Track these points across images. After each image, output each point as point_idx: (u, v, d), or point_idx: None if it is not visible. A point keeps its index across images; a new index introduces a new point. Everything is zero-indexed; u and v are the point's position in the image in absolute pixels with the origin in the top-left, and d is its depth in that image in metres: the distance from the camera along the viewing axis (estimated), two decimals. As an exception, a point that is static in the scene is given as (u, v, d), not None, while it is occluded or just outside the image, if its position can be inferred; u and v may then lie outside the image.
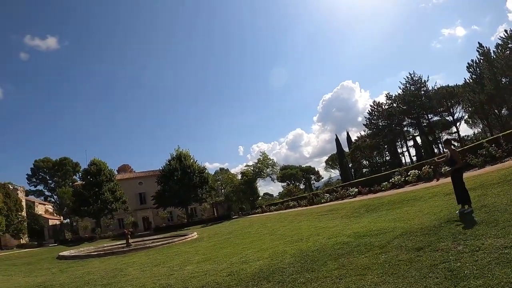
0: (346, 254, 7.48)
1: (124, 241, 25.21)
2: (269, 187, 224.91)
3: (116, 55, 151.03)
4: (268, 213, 37.30)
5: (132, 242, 24.87)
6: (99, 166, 49.31)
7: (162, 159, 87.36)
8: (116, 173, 58.76)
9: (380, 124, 70.71)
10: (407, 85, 67.74)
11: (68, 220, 72.49)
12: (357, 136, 77.71)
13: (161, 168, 52.54)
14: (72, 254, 22.64)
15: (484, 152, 17.49)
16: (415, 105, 66.12)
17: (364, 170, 73.11)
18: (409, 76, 67.76)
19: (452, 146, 9.78)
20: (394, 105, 68.79)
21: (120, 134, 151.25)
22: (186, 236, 23.93)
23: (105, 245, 29.75)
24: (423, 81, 66.94)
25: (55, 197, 79.68)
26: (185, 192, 47.99)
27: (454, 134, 66.96)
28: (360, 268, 6.15)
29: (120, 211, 50.54)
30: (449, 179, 16.86)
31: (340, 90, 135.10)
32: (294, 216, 23.27)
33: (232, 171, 73.71)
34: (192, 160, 51.82)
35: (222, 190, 69.91)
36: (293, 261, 7.91)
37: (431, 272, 5.12)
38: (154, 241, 24.54)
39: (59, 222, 69.83)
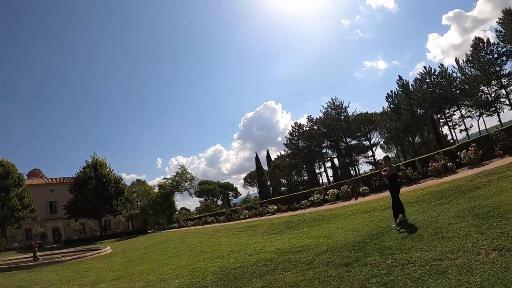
0: (271, 271, 7.24)
1: (31, 254, 22.83)
2: (187, 202, 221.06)
3: (43, 54, 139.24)
4: (185, 228, 36.91)
5: (40, 256, 22.58)
6: (7, 168, 44.63)
7: (75, 166, 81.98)
8: (26, 177, 53.36)
9: (300, 144, 73.65)
10: (329, 109, 72.28)
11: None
12: (276, 155, 79.90)
13: (74, 176, 49.29)
14: (-29, 267, 20.02)
15: (401, 174, 18.60)
16: (335, 129, 70.66)
17: (283, 188, 75.09)
18: (331, 101, 72.35)
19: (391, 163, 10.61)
20: (315, 127, 72.54)
21: (32, 136, 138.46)
22: (99, 251, 22.38)
23: (9, 258, 26.60)
24: (344, 106, 72.00)
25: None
26: (99, 203, 45.44)
27: (370, 158, 72.23)
28: (288, 285, 5.94)
29: (28, 220, 46.10)
30: (367, 198, 17.96)
31: (263, 110, 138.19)
32: (213, 232, 22.91)
33: (150, 183, 71.01)
34: (108, 169, 49.46)
35: (138, 203, 67.23)
36: (215, 279, 7.51)
37: (364, 287, 5.05)
38: (64, 255, 22.49)
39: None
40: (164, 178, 58.93)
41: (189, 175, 57.72)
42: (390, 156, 66.24)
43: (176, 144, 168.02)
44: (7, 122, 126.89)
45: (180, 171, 57.08)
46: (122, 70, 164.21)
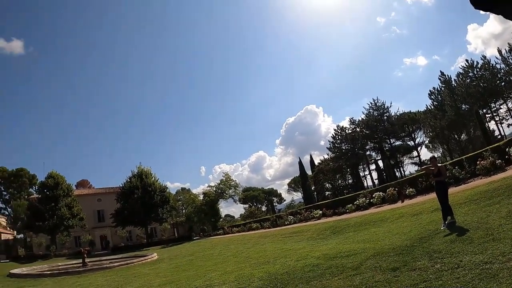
0: (318, 276, 7.17)
1: (80, 260, 23.89)
2: (231, 209, 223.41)
3: (77, 64, 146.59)
4: (230, 235, 37.03)
5: (89, 262, 23.56)
6: (56, 180, 46.79)
7: (122, 177, 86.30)
8: (75, 188, 55.96)
9: (343, 147, 72.64)
10: (371, 110, 70.68)
11: (21, 236, 67.92)
12: (320, 159, 79.19)
13: (121, 185, 51.03)
14: (24, 272, 21.37)
15: (448, 174, 17.99)
16: (378, 130, 68.98)
17: (327, 193, 74.19)
18: (373, 102, 70.82)
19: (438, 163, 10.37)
20: (358, 129, 71.35)
21: (80, 148, 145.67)
22: (146, 257, 22.98)
23: (59, 264, 27.99)
24: (386, 107, 70.23)
25: (9, 209, 74.37)
26: (145, 211, 46.70)
27: (415, 158, 69.96)
28: (335, 291, 5.91)
29: (77, 228, 48.04)
30: (413, 200, 17.50)
31: (304, 114, 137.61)
32: (258, 238, 22.94)
33: (194, 191, 72.58)
34: (153, 179, 50.75)
35: (183, 210, 68.72)
36: (261, 285, 7.50)
37: (412, 291, 4.96)
38: (111, 261, 23.38)
39: (12, 237, 65.13)
40: (209, 186, 59.88)
41: (233, 182, 58.12)
42: (436, 156, 64.73)
43: (219, 152, 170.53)
44: (57, 135, 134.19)
45: (224, 178, 57.58)
46: (161, 79, 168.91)
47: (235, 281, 8.65)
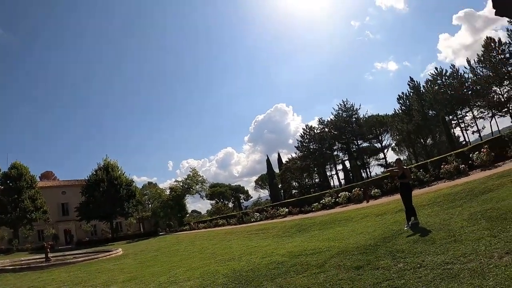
0: (283, 274, 7.21)
1: (43, 255, 23.06)
2: (198, 204, 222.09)
3: (41, 53, 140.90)
4: (196, 231, 36.97)
5: (52, 257, 22.76)
6: (20, 171, 45.06)
7: (88, 169, 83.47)
8: (38, 179, 53.88)
9: (311, 147, 73.63)
10: (340, 111, 72.16)
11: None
12: (288, 158, 79.70)
13: (86, 178, 49.89)
14: (-15, 268, 20.34)
15: (413, 177, 18.46)
16: (346, 131, 70.50)
17: (294, 191, 74.82)
18: (342, 103, 72.38)
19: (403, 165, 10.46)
20: (326, 129, 72.62)
21: (44, 139, 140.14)
22: (111, 252, 22.52)
23: (22, 258, 26.91)
24: (355, 109, 71.93)
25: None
26: (110, 205, 45.77)
27: (381, 160, 71.80)
28: (299, 289, 5.92)
29: (41, 222, 46.52)
30: (378, 201, 17.86)
31: (273, 112, 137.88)
32: (224, 235, 22.94)
33: (161, 186, 71.65)
34: (120, 172, 49.85)
35: (150, 205, 67.69)
36: (226, 282, 7.49)
37: (375, 290, 5.02)
38: (75, 257, 22.65)
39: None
40: (176, 181, 59.51)
41: (200, 178, 57.98)
42: (402, 159, 66.70)
43: (187, 147, 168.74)
44: (21, 125, 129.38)
45: (191, 173, 57.35)
46: (132, 73, 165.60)
47: (200, 277, 8.61)
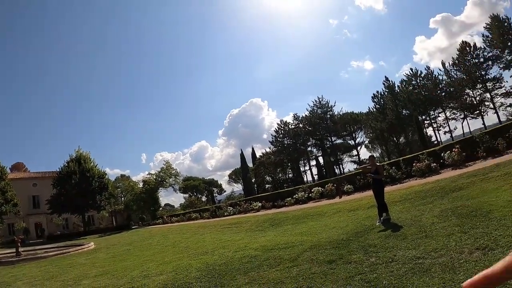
0: (256, 267, 7.21)
1: (14, 250, 22.37)
2: (171, 198, 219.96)
3: (19, 43, 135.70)
4: (169, 224, 36.67)
5: (22, 251, 22.08)
6: None
7: (60, 161, 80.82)
8: (9, 171, 52.28)
9: (286, 142, 74.42)
10: (315, 108, 73.36)
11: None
12: (262, 153, 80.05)
13: (58, 170, 48.67)
14: (-49, 263, 19.60)
15: (385, 173, 18.78)
16: (321, 127, 71.69)
17: (267, 185, 75.34)
18: (317, 100, 73.54)
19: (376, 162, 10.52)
20: (301, 125, 73.60)
21: (15, 129, 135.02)
22: (83, 246, 22.19)
23: None
24: (330, 105, 73.31)
25: None
26: (82, 198, 45.02)
27: (355, 157, 73.10)
28: (272, 282, 5.91)
29: (11, 215, 44.68)
30: (351, 197, 18.10)
31: (249, 107, 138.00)
32: (197, 228, 22.79)
33: (134, 179, 70.60)
34: (92, 164, 49.11)
35: (122, 198, 66.71)
36: (199, 276, 7.44)
37: (348, 284, 5.06)
38: (47, 251, 22.16)
39: None
40: (149, 174, 59.01)
41: (174, 171, 57.79)
42: (375, 156, 67.96)
43: (161, 140, 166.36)
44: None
45: (164, 166, 57.09)
46: (107, 63, 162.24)
47: (173, 271, 8.53)
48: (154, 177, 56.37)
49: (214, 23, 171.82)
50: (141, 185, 56.22)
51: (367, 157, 67.11)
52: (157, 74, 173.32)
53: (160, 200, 58.22)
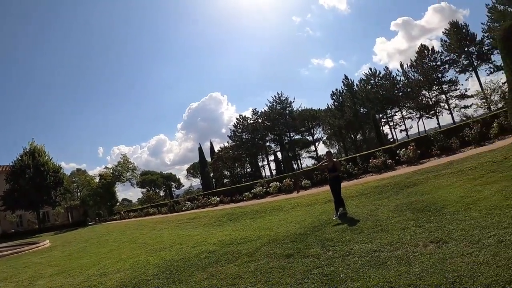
0: (214, 263, 7.19)
1: None
2: (128, 193, 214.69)
3: None
4: (127, 220, 36.02)
5: None
6: None
7: (13, 154, 76.67)
8: None
9: (244, 137, 74.79)
10: (274, 103, 74.13)
11: None
12: (220, 147, 79.74)
13: (11, 164, 46.33)
14: None
15: (342, 169, 19.17)
16: (279, 123, 72.73)
17: (226, 180, 75.23)
18: (277, 96, 74.40)
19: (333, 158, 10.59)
20: (260, 120, 74.26)
21: None
22: (38, 245, 21.42)
23: None
24: (289, 101, 74.23)
25: None
26: (37, 193, 43.10)
27: (312, 152, 74.45)
28: (230, 277, 5.88)
29: None
30: (308, 192, 18.33)
31: (208, 101, 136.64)
32: (155, 224, 22.54)
33: (90, 173, 68.20)
34: (47, 157, 47.11)
35: (78, 193, 64.60)
36: (157, 272, 7.38)
37: (306, 278, 5.07)
38: (0, 250, 21.07)
39: None
40: (105, 168, 57.16)
41: (131, 165, 56.44)
42: (332, 152, 69.50)
43: (119, 133, 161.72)
44: None
45: (122, 160, 55.48)
46: (64, 53, 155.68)
47: (130, 268, 8.45)
48: (111, 171, 54.72)
49: (175, 13, 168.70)
50: (97, 179, 54.42)
51: (324, 152, 68.56)
52: (116, 65, 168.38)
53: (117, 195, 56.92)
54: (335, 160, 10.78)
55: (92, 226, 38.30)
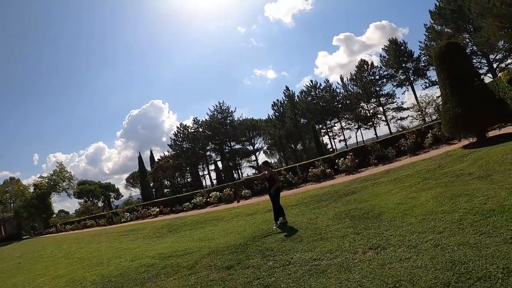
0: (153, 277, 7.00)
1: None
2: (65, 203, 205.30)
3: None
4: (63, 233, 34.65)
5: None
6: None
7: None
8: None
9: (185, 146, 74.06)
10: (215, 112, 74.37)
11: None
12: (160, 156, 78.09)
13: None
14: None
15: (282, 179, 19.41)
16: (220, 132, 72.89)
17: (166, 190, 73.57)
18: (218, 105, 74.65)
19: (270, 168, 10.48)
20: (200, 129, 74.03)
21: None
22: None
23: None
24: (230, 111, 74.87)
25: None
26: None
27: (253, 162, 74.93)
28: (170, 293, 5.68)
29: None
30: (249, 201, 18.31)
31: (149, 108, 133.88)
32: (93, 237, 21.79)
33: (24, 182, 63.99)
34: None
35: (12, 204, 60.09)
36: None
37: (246, 289, 4.98)
38: None
39: None
40: (40, 177, 54.04)
41: (68, 174, 54.07)
42: (272, 162, 70.43)
43: (55, 140, 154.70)
44: None
45: (58, 169, 52.91)
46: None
47: (66, 286, 8.15)
48: (46, 180, 51.92)
49: (114, 19, 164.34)
50: (32, 189, 51.39)
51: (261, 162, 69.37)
52: (51, 65, 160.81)
53: (53, 206, 54.19)
54: (272, 170, 10.62)
55: (27, 240, 36.43)
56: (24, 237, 43.72)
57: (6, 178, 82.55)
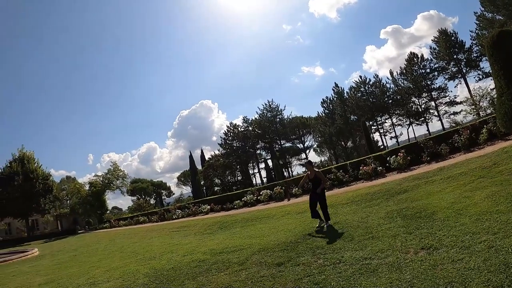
0: (204, 272, 7.14)
1: None
2: (119, 201, 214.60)
3: None
4: (117, 228, 35.74)
5: None
6: None
7: (1, 160, 74.90)
8: None
9: (235, 145, 74.75)
10: (264, 111, 74.52)
11: None
12: (211, 155, 79.56)
13: None
14: None
15: (332, 177, 19.24)
16: (270, 131, 72.95)
17: (216, 188, 74.89)
18: (267, 103, 74.73)
19: (314, 168, 10.23)
20: (250, 128, 74.38)
21: None
22: (26, 253, 21.13)
23: None
24: (279, 109, 74.59)
25: None
26: (26, 201, 42.65)
27: (303, 160, 74.47)
28: (221, 287, 5.87)
29: None
30: (299, 199, 18.30)
31: (199, 108, 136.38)
32: (145, 232, 22.36)
33: (80, 180, 67.40)
34: (36, 164, 46.72)
35: (68, 201, 63.75)
36: (147, 282, 7.30)
37: (297, 286, 5.08)
38: None
39: None
40: (95, 176, 56.12)
41: (121, 173, 55.46)
42: (322, 159, 69.81)
43: (109, 140, 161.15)
44: None
45: (112, 168, 54.66)
46: (58, 60, 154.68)
47: (120, 278, 8.36)
48: (101, 179, 53.91)
49: (164, 21, 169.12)
50: (87, 187, 53.75)
51: (315, 160, 68.81)
52: (107, 73, 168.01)
53: (107, 203, 55.85)
54: (316, 170, 10.14)
55: (82, 235, 37.97)
56: (79, 231, 45.65)
57: (63, 176, 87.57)
